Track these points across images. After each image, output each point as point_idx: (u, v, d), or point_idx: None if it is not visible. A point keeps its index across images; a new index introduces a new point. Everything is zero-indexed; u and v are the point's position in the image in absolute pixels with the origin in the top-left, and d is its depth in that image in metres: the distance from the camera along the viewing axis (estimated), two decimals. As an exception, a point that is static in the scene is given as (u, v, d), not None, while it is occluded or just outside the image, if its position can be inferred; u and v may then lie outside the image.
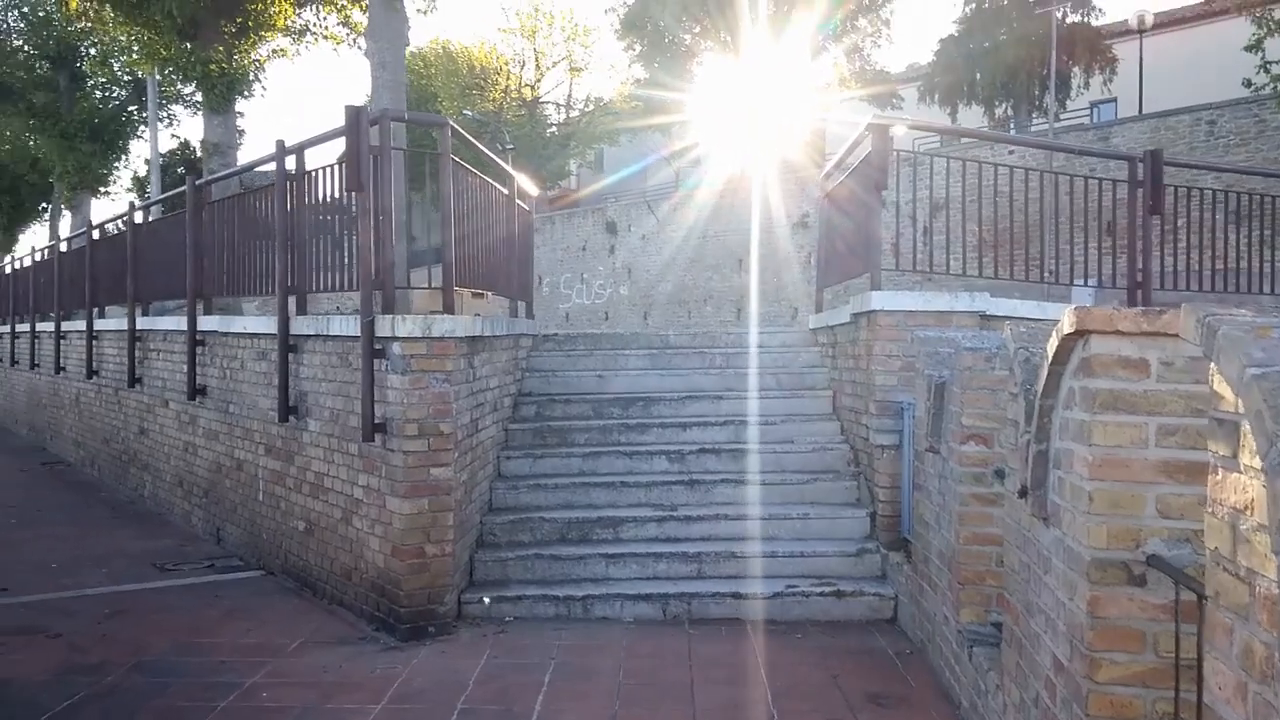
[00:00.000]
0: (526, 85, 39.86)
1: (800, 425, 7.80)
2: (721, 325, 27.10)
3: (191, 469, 9.21)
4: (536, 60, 39.86)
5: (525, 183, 9.14)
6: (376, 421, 6.08)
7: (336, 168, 6.59)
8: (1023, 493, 3.67)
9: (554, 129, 40.57)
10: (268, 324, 7.50)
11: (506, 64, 39.52)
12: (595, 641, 5.90)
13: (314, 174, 6.93)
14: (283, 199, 7.15)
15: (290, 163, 7.15)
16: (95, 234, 12.45)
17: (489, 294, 7.61)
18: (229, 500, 8.39)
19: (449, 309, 6.33)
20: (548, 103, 41.40)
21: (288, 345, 7.13)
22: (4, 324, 18.09)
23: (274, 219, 7.25)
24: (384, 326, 6.00)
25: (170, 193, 10.87)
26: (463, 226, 6.80)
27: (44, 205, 24.35)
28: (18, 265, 17.86)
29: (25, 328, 16.20)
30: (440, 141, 6.47)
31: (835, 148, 10.26)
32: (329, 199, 6.81)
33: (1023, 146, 19.69)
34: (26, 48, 18.47)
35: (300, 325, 7.03)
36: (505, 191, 8.23)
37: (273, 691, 5.10)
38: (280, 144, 7.14)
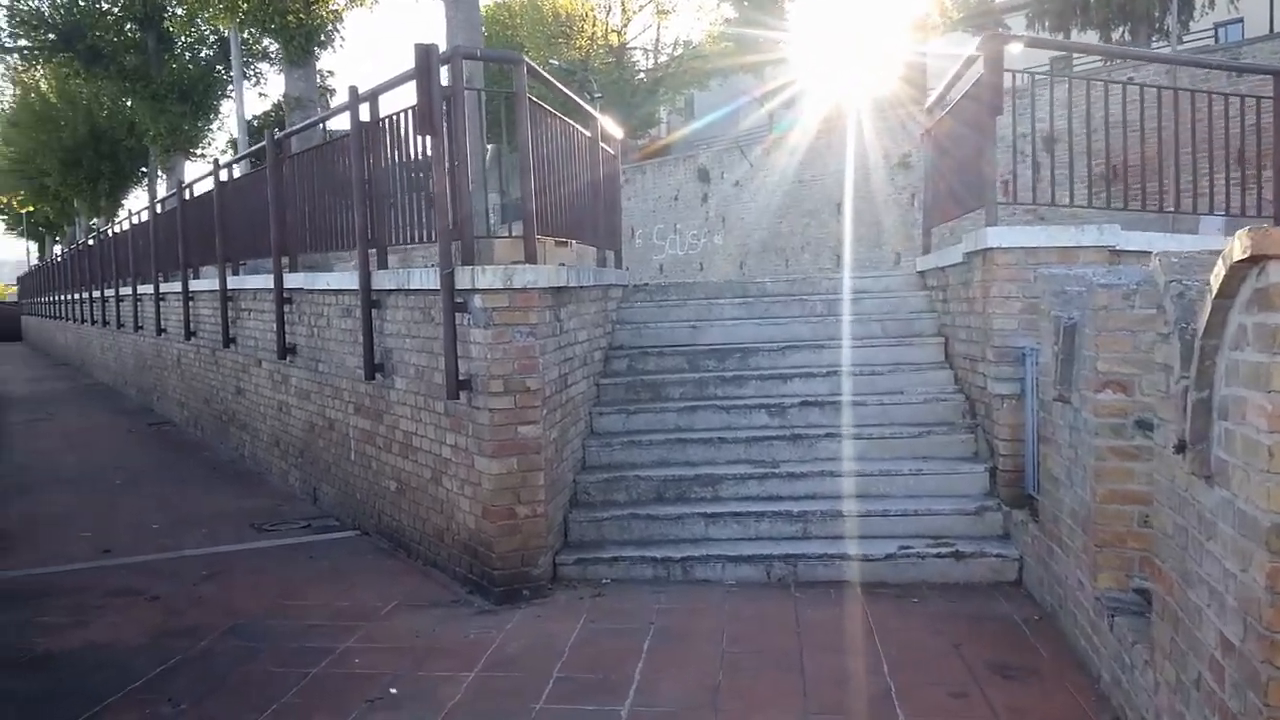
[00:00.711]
0: (613, 31, 39.14)
1: (909, 375, 7.30)
2: (820, 272, 26.39)
3: (286, 428, 9.18)
4: (623, 4, 39.07)
5: (609, 125, 8.74)
6: (461, 378, 5.83)
7: (410, 113, 6.29)
8: (1180, 448, 3.18)
9: (642, 75, 39.86)
10: (350, 279, 7.31)
11: (592, 10, 38.83)
12: (695, 605, 5.60)
13: (388, 121, 6.66)
14: (359, 148, 6.90)
15: (365, 111, 6.90)
16: (185, 194, 12.51)
17: (574, 243, 7.27)
18: (323, 460, 8.32)
19: (531, 258, 6.01)
20: (635, 48, 40.65)
21: (370, 301, 6.93)
22: (111, 288, 18.58)
23: (350, 170, 7.02)
24: (464, 278, 5.72)
25: (253, 149, 10.80)
26: (543, 171, 6.46)
27: (143, 170, 24.93)
28: (119, 229, 18.27)
29: (129, 291, 16.57)
30: (516, 80, 6.11)
31: (936, 83, 9.61)
32: (404, 146, 6.53)
33: (1148, 63, 18.30)
34: (115, 10, 18.70)
35: (382, 280, 6.81)
36: (588, 134, 7.85)
37: (365, 657, 4.93)
38: (353, 90, 6.89)
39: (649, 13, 38.73)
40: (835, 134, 28.61)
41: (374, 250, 6.94)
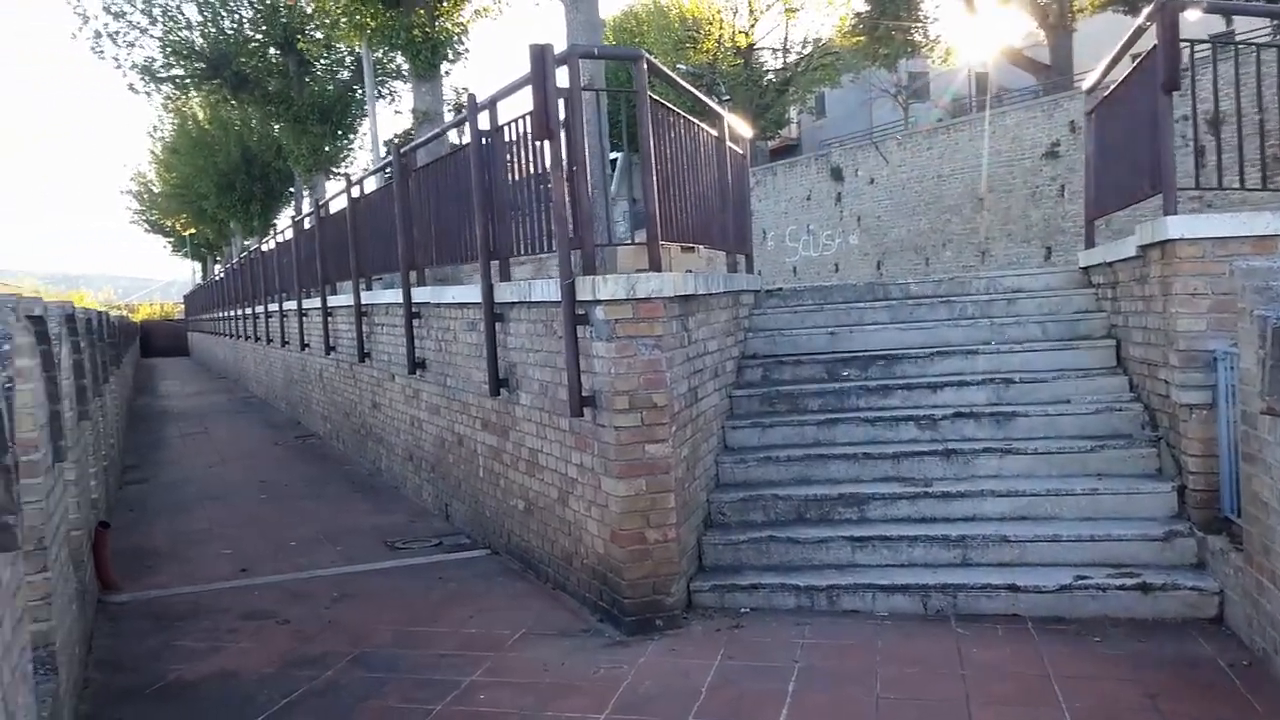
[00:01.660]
0: (740, 33, 38.58)
1: (1076, 382, 6.61)
2: (966, 271, 25.21)
3: (419, 443, 9.12)
4: (750, 4, 38.48)
5: (737, 123, 8.32)
6: (584, 394, 5.52)
7: (527, 118, 6.04)
8: None
9: (771, 76, 39.14)
10: (474, 293, 7.13)
11: (719, 12, 38.38)
12: (843, 640, 5.13)
13: (506, 128, 6.42)
14: (478, 158, 6.70)
15: (484, 120, 6.70)
16: (322, 212, 12.73)
17: (701, 248, 6.89)
18: (453, 476, 8.19)
19: (655, 265, 5.66)
20: (763, 49, 39.97)
21: (493, 314, 6.71)
22: (260, 305, 19.24)
23: (471, 180, 6.83)
24: (584, 289, 5.41)
25: (381, 164, 10.84)
26: (666, 173, 6.10)
27: (291, 190, 25.91)
28: (266, 248, 18.91)
29: (276, 307, 17.08)
30: (636, 78, 5.77)
31: (1088, 65, 8.80)
32: (523, 153, 6.28)
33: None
34: (258, 37, 19.42)
35: (504, 292, 6.59)
36: (714, 133, 7.46)
37: (490, 693, 4.67)
38: (471, 99, 6.70)
39: (776, 11, 38.01)
40: (976, 125, 27.35)
41: (497, 262, 6.73)
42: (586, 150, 5.54)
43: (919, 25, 25.75)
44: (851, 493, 6.15)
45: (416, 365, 8.72)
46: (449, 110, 13.30)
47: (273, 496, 9.86)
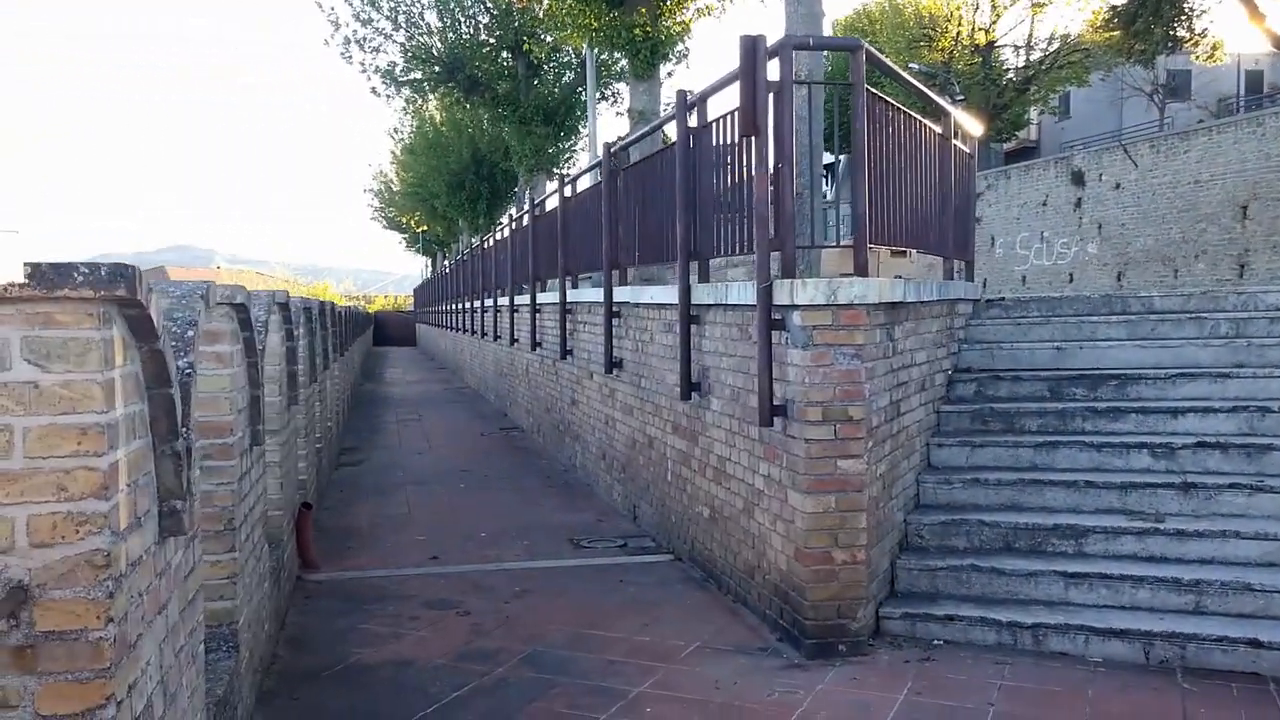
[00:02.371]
0: (980, 29, 36.77)
1: (1352, 415, 5.72)
2: (1219, 285, 22.94)
3: (611, 443, 9.09)
4: (992, 0, 36.58)
5: (964, 120, 7.76)
6: (775, 403, 5.24)
7: (735, 114, 5.80)
8: None
9: (1011, 74, 37.07)
10: (671, 293, 6.97)
11: (958, 9, 36.72)
12: (1049, 686, 4.63)
13: (714, 125, 6.22)
14: (683, 155, 6.53)
15: (693, 118, 6.53)
16: (536, 211, 13.00)
17: (914, 253, 6.43)
18: (642, 478, 8.08)
19: (861, 270, 5.30)
20: (1004, 46, 37.91)
21: (689, 316, 6.53)
22: (476, 300, 20.01)
23: (675, 178, 6.67)
24: (782, 293, 5.12)
25: (593, 164, 10.91)
26: (880, 171, 5.71)
27: (514, 191, 26.89)
28: (484, 246, 19.64)
29: (490, 302, 17.69)
30: (853, 70, 5.42)
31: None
32: (728, 151, 6.05)
33: None
34: (491, 40, 20.17)
35: (701, 294, 6.39)
36: (938, 130, 6.96)
37: (658, 707, 4.49)
38: (681, 95, 6.53)
39: (1022, 6, 35.92)
40: (1243, 126, 24.81)
41: (696, 262, 6.55)
42: (795, 148, 5.24)
43: (1185, 18, 23.55)
44: (1069, 524, 5.56)
45: (613, 364, 8.68)
46: (666, 110, 13.27)
47: (471, 486, 10.11)
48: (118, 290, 2.15)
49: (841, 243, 5.66)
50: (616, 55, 20.53)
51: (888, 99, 5.94)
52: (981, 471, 6.21)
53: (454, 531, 8.05)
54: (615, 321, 8.65)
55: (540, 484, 10.21)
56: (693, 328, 6.58)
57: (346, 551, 7.39)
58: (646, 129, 8.04)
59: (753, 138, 5.32)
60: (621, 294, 8.43)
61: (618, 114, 20.48)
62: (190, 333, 2.93)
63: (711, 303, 6.23)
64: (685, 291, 6.53)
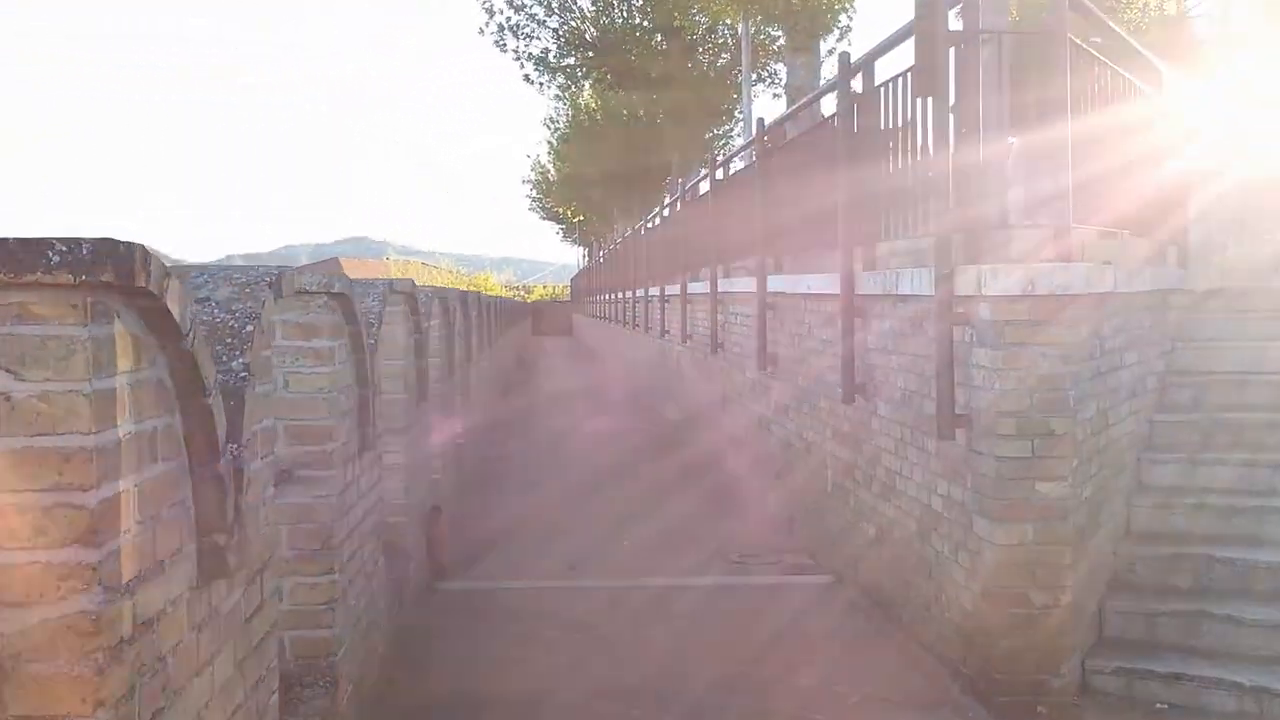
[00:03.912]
0: (1168, -4, 33.79)
1: None
2: None
3: (766, 446, 8.38)
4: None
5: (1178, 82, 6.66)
6: (958, 412, 4.44)
7: (907, 76, 5.01)
8: None
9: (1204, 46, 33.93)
10: (831, 283, 6.22)
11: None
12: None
13: (882, 90, 5.43)
14: (846, 126, 5.77)
15: (857, 84, 5.76)
16: (686, 196, 12.38)
17: (1123, 233, 5.46)
18: (799, 486, 7.35)
19: (1064, 254, 4.43)
20: (1198, 17, 34.77)
21: (852, 308, 5.77)
22: (628, 291, 19.58)
23: (836, 154, 5.91)
24: (966, 281, 4.31)
25: (745, 144, 10.20)
26: (1085, 137, 4.80)
27: (667, 179, 26.37)
28: (634, 236, 19.19)
29: (641, 294, 17.20)
30: (1051, 18, 4.55)
31: None
32: (900, 117, 5.25)
33: None
34: (645, 23, 19.66)
35: (866, 283, 5.62)
36: (1150, 90, 5.94)
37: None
38: (844, 58, 5.79)
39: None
40: None
41: (860, 248, 5.78)
42: (981, 110, 4.42)
43: None
44: (1330, 568, 4.53)
45: (768, 360, 7.97)
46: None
47: (618, 485, 9.57)
48: (103, 274, 1.63)
49: (1039, 222, 4.77)
50: (774, 31, 19.69)
51: (1091, 50, 5.01)
52: (1207, 494, 5.21)
53: (596, 536, 7.53)
54: (770, 314, 7.94)
55: (691, 486, 9.58)
56: (857, 321, 5.81)
57: (483, 556, 6.96)
58: (804, 100, 7.28)
59: (930, 99, 4.52)
60: (776, 283, 7.71)
61: (775, 95, 19.65)
62: (249, 327, 2.43)
63: (879, 293, 5.45)
64: (848, 280, 5.77)
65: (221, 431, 2.15)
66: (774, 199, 7.83)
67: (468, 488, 9.12)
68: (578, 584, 6.36)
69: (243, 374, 2.34)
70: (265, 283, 2.61)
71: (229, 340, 2.40)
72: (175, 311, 1.89)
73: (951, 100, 4.48)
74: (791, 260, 8.03)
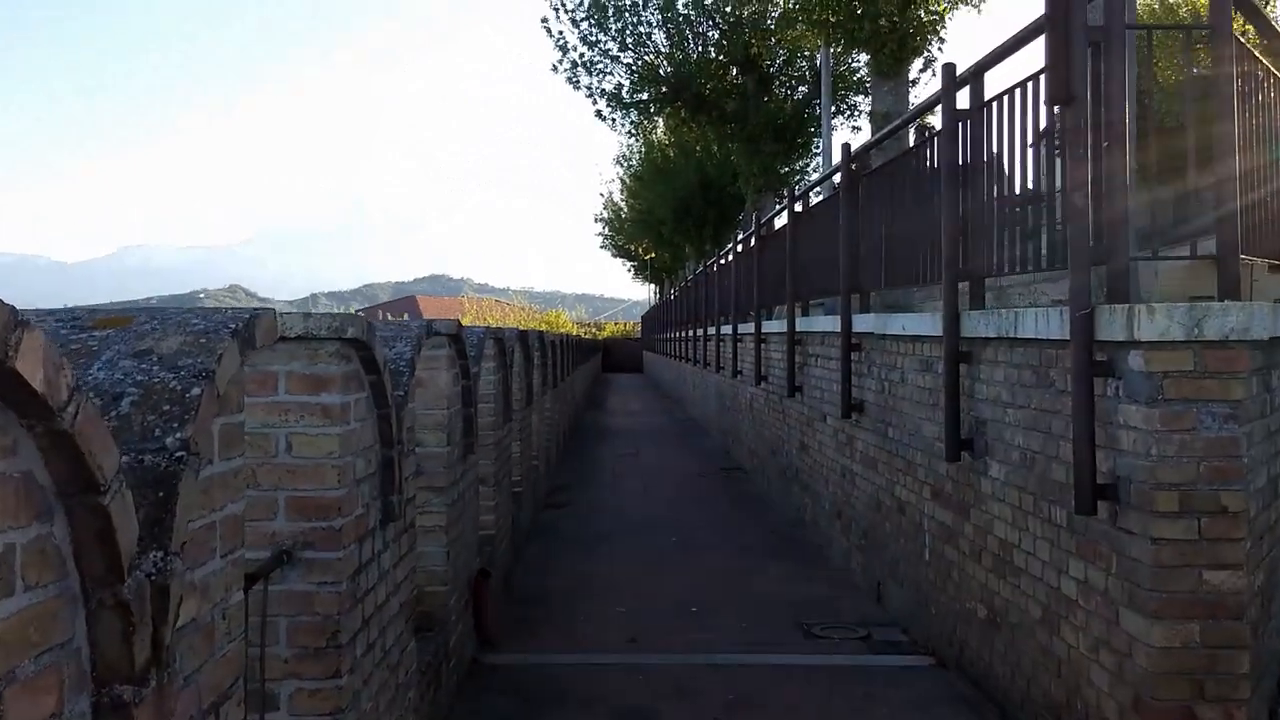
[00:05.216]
0: None
1: None
2: None
3: (849, 500, 7.60)
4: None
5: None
6: (1100, 480, 3.66)
7: (1031, 83, 4.29)
8: None
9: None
10: (931, 323, 5.49)
11: None
12: None
13: (994, 103, 4.72)
14: (949, 146, 5.06)
15: (963, 98, 5.06)
16: (763, 231, 11.70)
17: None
18: (889, 550, 6.56)
19: (1229, 292, 3.66)
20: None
21: (957, 352, 5.02)
22: (700, 328, 18.91)
23: (940, 177, 5.20)
24: (1111, 323, 3.56)
25: (828, 172, 9.50)
26: (1246, 153, 4.02)
27: (741, 216, 25.71)
28: (707, 273, 18.52)
29: (713, 331, 16.53)
30: (1213, 11, 3.81)
31: None
32: (1016, 133, 4.53)
33: None
34: (720, 57, 19.09)
35: (975, 324, 4.87)
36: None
37: None
38: (948, 69, 5.09)
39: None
40: None
41: (966, 284, 5.05)
42: (1127, 119, 3.68)
43: None
44: None
45: (852, 408, 7.22)
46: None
47: (684, 540, 8.86)
48: None
49: (1193, 254, 4.00)
50: (854, 64, 18.98)
51: (1256, 54, 4.25)
52: (1397, 580, 4.31)
53: (660, 601, 6.82)
54: (855, 356, 7.20)
55: (763, 541, 8.83)
56: (963, 367, 5.06)
57: (535, 623, 6.31)
58: (898, 121, 6.57)
59: (1066, 107, 3.80)
60: (864, 323, 6.98)
61: (854, 128, 18.84)
62: (196, 390, 1.82)
63: (991, 335, 4.70)
64: (953, 320, 5.03)
65: (129, 538, 1.54)
66: (864, 230, 7.13)
67: (525, 540, 8.50)
68: (638, 659, 5.66)
69: (179, 453, 1.73)
70: (230, 330, 2.00)
71: (167, 408, 1.79)
72: (35, 379, 1.28)
73: (1089, 105, 3.76)
74: (879, 297, 7.31)
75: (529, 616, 6.43)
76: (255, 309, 2.17)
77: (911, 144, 7.41)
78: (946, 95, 5.08)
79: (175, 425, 1.77)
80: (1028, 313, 4.27)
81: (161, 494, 1.68)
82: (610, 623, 6.35)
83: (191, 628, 1.84)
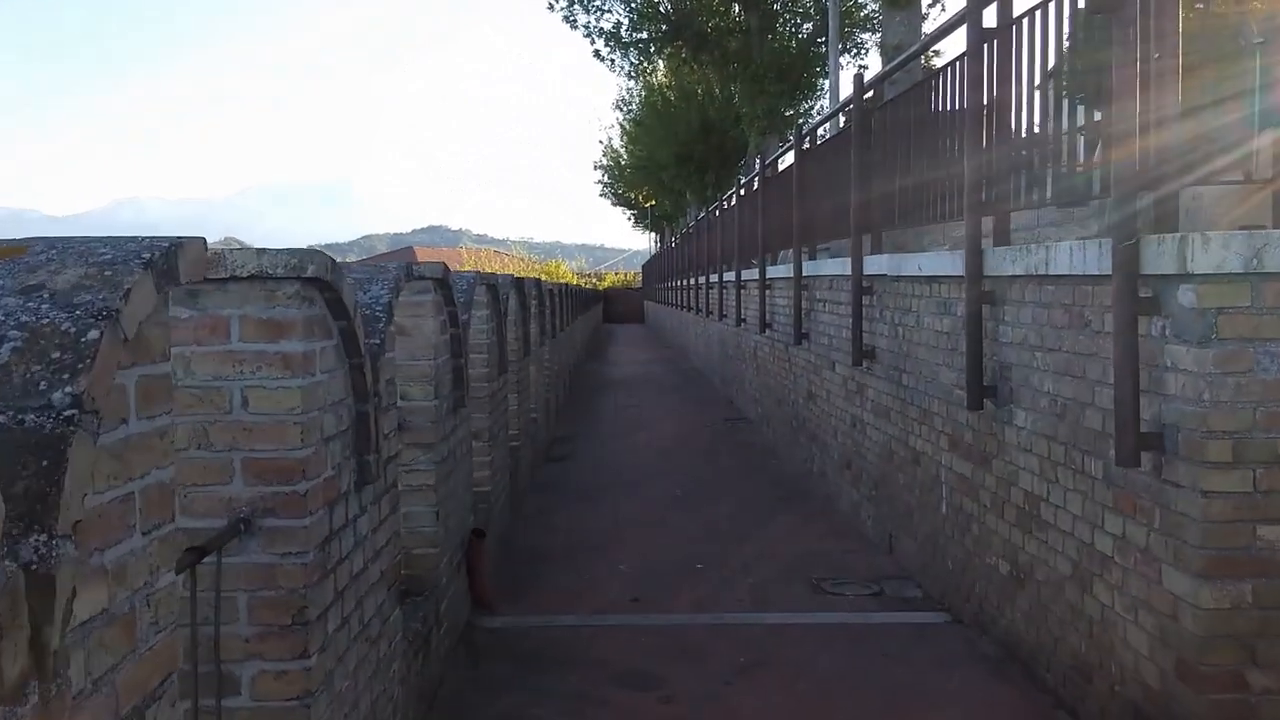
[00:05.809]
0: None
1: None
2: None
3: (859, 450, 7.30)
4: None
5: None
6: (1143, 429, 3.34)
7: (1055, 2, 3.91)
8: None
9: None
10: (950, 261, 5.14)
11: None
12: None
13: (1025, 20, 4.33)
14: (975, 69, 4.68)
15: (990, 15, 4.67)
16: (766, 173, 11.29)
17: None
18: (902, 501, 6.28)
19: (1288, 219, 3.31)
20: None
21: (981, 292, 4.69)
22: (701, 275, 18.53)
23: (963, 104, 4.83)
24: (1159, 255, 3.22)
25: (837, 107, 9.08)
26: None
27: (744, 161, 25.19)
28: (708, 218, 18.09)
29: (716, 278, 16.17)
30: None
31: None
32: (1049, 50, 4.15)
33: None
34: (719, -8, 18.56)
35: (999, 260, 4.53)
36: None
37: None
38: (972, -17, 4.67)
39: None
40: None
41: (990, 219, 4.70)
42: (1179, 26, 3.30)
43: None
44: None
45: (863, 354, 6.89)
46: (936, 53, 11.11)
47: (687, 493, 8.59)
48: None
49: (1246, 177, 3.64)
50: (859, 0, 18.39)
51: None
52: None
53: (664, 558, 6.56)
54: (866, 300, 6.86)
55: (769, 493, 8.56)
56: (985, 308, 4.73)
57: (534, 583, 6.05)
58: (916, 47, 6.17)
59: (1113, 15, 3.42)
60: (876, 264, 6.63)
61: (860, 66, 18.25)
62: (93, 334, 1.49)
63: (1018, 273, 4.36)
64: (975, 256, 4.69)
65: (-9, 521, 1.22)
66: (873, 166, 6.75)
67: (524, 496, 8.23)
68: (642, 619, 5.40)
69: (69, 412, 1.40)
70: (142, 261, 1.67)
71: (57, 356, 1.47)
72: None
73: (1138, 13, 3.37)
74: (893, 237, 6.94)
75: (528, 576, 6.17)
76: (179, 237, 1.83)
77: (922, 80, 6.99)
78: (972, 12, 4.69)
79: (65, 377, 1.44)
80: (1061, 246, 3.93)
81: (45, 463, 1.36)
82: (613, 581, 6.09)
83: (101, 621, 1.53)
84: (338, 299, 2.86)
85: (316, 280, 2.68)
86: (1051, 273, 4.05)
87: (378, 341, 3.34)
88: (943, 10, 15.54)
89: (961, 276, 4.85)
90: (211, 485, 2.64)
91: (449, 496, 4.77)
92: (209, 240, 2.05)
